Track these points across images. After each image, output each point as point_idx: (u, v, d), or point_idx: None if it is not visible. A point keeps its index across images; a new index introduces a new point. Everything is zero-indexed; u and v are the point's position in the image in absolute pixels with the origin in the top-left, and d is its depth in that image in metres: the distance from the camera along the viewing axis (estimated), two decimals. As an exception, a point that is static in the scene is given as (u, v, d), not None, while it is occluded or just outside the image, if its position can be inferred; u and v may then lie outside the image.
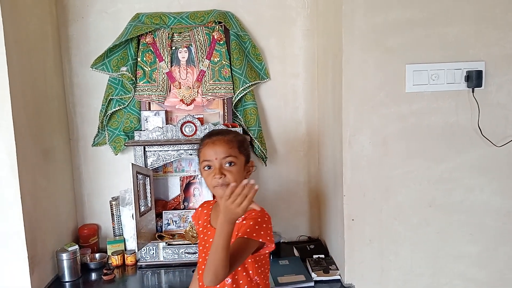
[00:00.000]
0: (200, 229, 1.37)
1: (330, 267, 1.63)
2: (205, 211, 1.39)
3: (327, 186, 1.80)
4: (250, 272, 1.24)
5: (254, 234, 1.17)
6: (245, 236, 1.17)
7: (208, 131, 1.76)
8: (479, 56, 1.50)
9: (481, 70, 1.48)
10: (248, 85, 1.87)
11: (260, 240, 1.17)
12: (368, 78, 1.49)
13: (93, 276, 1.73)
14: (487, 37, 1.49)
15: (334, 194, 1.67)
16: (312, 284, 1.55)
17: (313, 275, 1.58)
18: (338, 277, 1.58)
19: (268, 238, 1.20)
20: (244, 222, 1.21)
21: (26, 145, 1.53)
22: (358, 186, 1.52)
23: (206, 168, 1.25)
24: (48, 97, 1.75)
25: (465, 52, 1.49)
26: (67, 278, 1.68)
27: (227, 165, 1.23)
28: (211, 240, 1.25)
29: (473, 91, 1.49)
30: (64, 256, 1.67)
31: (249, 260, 1.24)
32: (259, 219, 1.21)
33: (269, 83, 1.95)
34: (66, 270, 1.67)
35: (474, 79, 1.48)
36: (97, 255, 1.82)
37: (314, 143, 1.97)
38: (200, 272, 1.30)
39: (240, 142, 1.28)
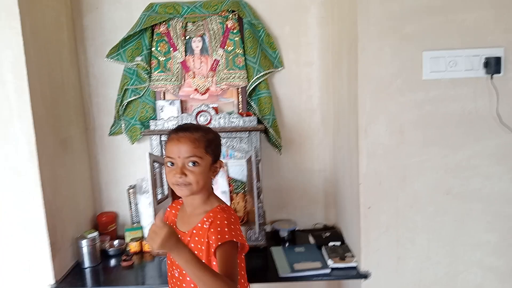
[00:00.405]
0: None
1: (346, 254, 1.64)
2: (174, 211, 1.35)
3: (343, 174, 1.80)
4: None
5: (227, 236, 1.13)
6: (220, 243, 1.11)
7: (219, 120, 1.77)
8: (498, 42, 1.47)
9: (500, 57, 1.46)
10: (262, 74, 1.87)
11: (234, 240, 1.13)
12: (384, 65, 1.48)
13: (112, 262, 1.77)
14: (506, 22, 1.46)
15: (350, 182, 1.67)
16: (328, 271, 1.57)
17: (329, 262, 1.59)
18: (354, 264, 1.58)
19: (241, 238, 1.16)
20: (211, 227, 1.16)
21: (44, 135, 1.55)
22: (374, 174, 1.52)
23: (169, 164, 1.20)
24: (65, 88, 1.77)
25: (484, 38, 1.47)
26: (87, 264, 1.72)
27: (190, 164, 1.17)
28: None
29: (491, 78, 1.47)
30: (84, 242, 1.71)
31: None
32: (226, 221, 1.16)
33: (283, 71, 1.94)
34: (86, 256, 1.71)
35: (493, 65, 1.45)
36: (115, 242, 1.85)
37: (329, 132, 1.97)
38: (170, 274, 1.30)
39: (209, 141, 1.21)
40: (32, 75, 1.48)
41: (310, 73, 1.95)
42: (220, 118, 1.79)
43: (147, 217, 1.88)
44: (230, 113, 1.82)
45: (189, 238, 1.23)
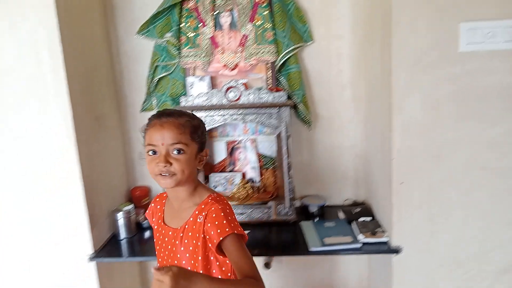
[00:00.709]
0: (155, 227, 1.26)
1: (376, 229, 1.64)
2: (159, 206, 1.29)
3: (374, 150, 1.79)
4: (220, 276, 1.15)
5: (227, 229, 1.06)
6: (222, 238, 1.06)
7: (249, 96, 1.77)
8: (541, 11, 1.40)
9: (543, 26, 1.39)
10: (291, 48, 1.84)
11: (235, 232, 1.07)
12: (419, 38, 1.43)
13: (146, 234, 1.83)
14: (551, -10, 1.38)
15: (382, 158, 1.65)
16: (359, 245, 1.57)
17: (360, 236, 1.60)
18: (386, 240, 1.59)
19: (240, 228, 1.10)
20: (206, 220, 1.09)
21: (80, 113, 1.59)
22: (407, 149, 1.50)
23: (150, 153, 1.11)
24: (97, 66, 1.80)
25: (525, 8, 1.40)
26: (122, 235, 1.79)
27: (175, 152, 1.09)
28: (166, 239, 1.19)
29: (533, 49, 1.41)
30: (120, 215, 1.77)
31: (217, 264, 1.14)
32: (222, 213, 1.09)
33: (313, 46, 1.91)
34: (121, 228, 1.78)
35: (535, 36, 1.39)
36: (149, 216, 1.91)
37: (360, 107, 1.94)
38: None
39: (194, 127, 1.13)
40: (67, 54, 1.51)
41: (341, 47, 1.91)
42: (250, 93, 1.79)
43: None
44: (259, 89, 1.82)
45: (181, 234, 1.15)
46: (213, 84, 1.92)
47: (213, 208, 1.10)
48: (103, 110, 1.83)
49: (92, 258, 1.64)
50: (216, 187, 1.93)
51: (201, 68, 1.91)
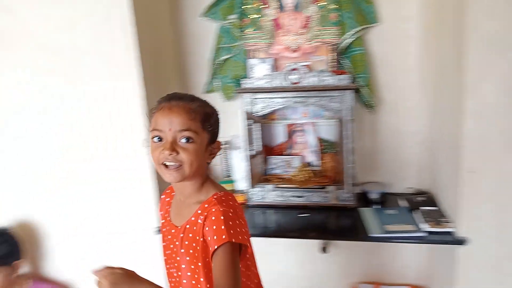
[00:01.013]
0: (163, 221, 1.16)
1: (441, 219, 1.58)
2: (168, 198, 1.19)
3: (442, 137, 1.71)
4: None
5: (224, 236, 0.94)
6: (217, 247, 0.94)
7: (311, 78, 1.75)
8: None
9: None
10: (356, 30, 1.79)
11: (233, 240, 0.95)
12: (497, 17, 1.34)
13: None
14: None
15: (451, 146, 1.58)
16: (423, 234, 1.52)
17: (424, 225, 1.54)
18: (451, 230, 1.52)
19: (241, 236, 0.96)
20: (205, 223, 0.98)
21: (150, 92, 1.67)
22: (479, 136, 1.42)
23: (155, 140, 1.00)
24: (163, 47, 1.87)
25: None
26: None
27: (183, 140, 0.98)
28: (169, 237, 1.11)
29: None
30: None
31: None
32: (223, 216, 0.96)
33: (379, 27, 1.85)
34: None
35: None
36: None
37: (427, 92, 1.85)
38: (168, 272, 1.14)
39: (207, 114, 1.03)
40: (139, 34, 1.58)
41: (408, 29, 1.83)
42: (312, 76, 1.77)
43: (239, 171, 1.97)
44: (322, 71, 1.79)
45: (182, 235, 1.05)
46: (274, 66, 1.92)
47: (213, 210, 0.98)
48: (168, 90, 1.89)
49: (157, 232, 1.72)
50: (274, 169, 1.94)
51: (263, 50, 1.92)
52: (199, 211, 1.02)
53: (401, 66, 1.87)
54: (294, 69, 1.80)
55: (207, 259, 0.98)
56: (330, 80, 1.74)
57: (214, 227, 0.96)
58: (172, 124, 0.98)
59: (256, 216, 1.81)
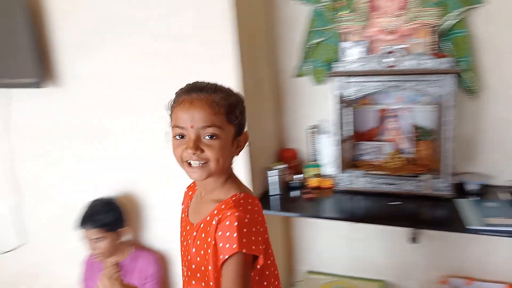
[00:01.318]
0: (182, 215, 1.10)
1: (551, 215, 1.46)
2: (190, 192, 1.13)
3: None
4: None
5: (234, 246, 0.86)
6: (227, 256, 0.87)
7: (409, 62, 1.67)
8: None
9: None
10: (460, 11, 1.69)
11: (244, 251, 0.87)
12: None
13: (294, 193, 1.92)
14: None
15: None
16: (531, 229, 1.42)
17: (530, 221, 1.44)
18: None
19: (255, 247, 0.88)
20: (219, 227, 0.90)
21: (245, 76, 1.72)
22: None
23: (177, 137, 0.94)
24: (257, 31, 1.90)
25: None
26: (272, 192, 1.90)
27: (208, 137, 0.91)
28: (184, 233, 1.05)
29: None
30: (272, 173, 1.89)
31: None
32: (237, 222, 0.88)
33: (485, 8, 1.71)
34: (272, 185, 1.90)
35: None
36: (297, 176, 2.00)
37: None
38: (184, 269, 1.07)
39: (231, 106, 0.95)
40: (239, 18, 1.63)
41: (519, 9, 1.68)
42: (409, 59, 1.70)
43: (326, 156, 1.97)
44: (420, 54, 1.71)
45: (195, 233, 0.99)
46: (368, 49, 1.87)
47: (228, 213, 0.90)
48: (261, 74, 1.94)
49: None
50: (364, 155, 1.92)
51: (357, 33, 1.88)
52: (215, 211, 0.95)
53: (507, 50, 1.73)
54: (390, 52, 1.75)
55: (217, 267, 0.90)
56: (429, 63, 1.66)
57: (227, 233, 0.88)
58: (194, 120, 0.90)
59: (344, 202, 1.81)
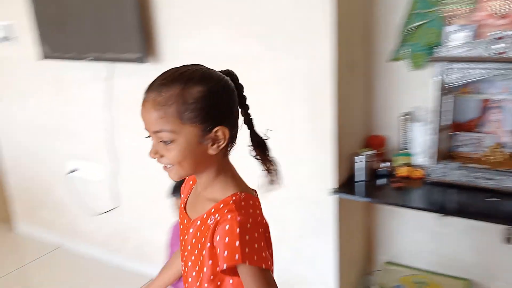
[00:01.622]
0: (182, 206, 1.01)
1: None
2: (191, 182, 1.03)
3: None
4: None
5: (237, 256, 0.78)
6: (226, 266, 0.79)
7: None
8: None
9: None
10: None
11: (247, 263, 0.79)
12: None
13: (381, 181, 1.87)
14: None
15: None
16: None
17: None
18: None
19: (257, 256, 0.80)
20: (217, 231, 0.82)
21: (339, 56, 1.69)
22: None
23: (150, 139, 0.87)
24: (353, 12, 1.85)
25: None
26: (358, 178, 1.87)
27: (162, 142, 0.83)
28: (181, 227, 0.98)
29: None
30: (359, 158, 1.85)
31: (231, 282, 0.87)
32: (239, 229, 0.80)
33: None
34: (358, 171, 1.87)
35: None
36: (384, 164, 1.95)
37: None
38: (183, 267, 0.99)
39: (185, 103, 0.80)
40: (338, -1, 1.61)
41: None
42: (525, 46, 1.56)
43: (418, 145, 1.89)
44: (536, 41, 1.57)
45: (191, 230, 0.91)
46: (475, 34, 1.75)
47: (229, 217, 0.82)
48: (354, 56, 1.90)
49: (334, 192, 1.79)
50: (460, 147, 1.81)
51: (464, 16, 1.76)
52: (213, 210, 0.87)
53: None
54: (499, 38, 1.62)
55: (214, 270, 0.85)
56: (547, 51, 1.52)
57: (227, 239, 0.80)
58: (146, 124, 0.84)
59: (435, 194, 1.74)
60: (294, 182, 1.90)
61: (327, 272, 1.90)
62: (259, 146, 0.95)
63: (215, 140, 0.85)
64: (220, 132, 0.84)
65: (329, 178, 1.80)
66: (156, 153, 0.85)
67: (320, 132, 1.76)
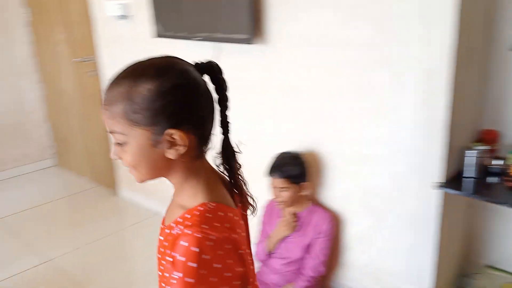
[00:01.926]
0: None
1: None
2: None
3: None
4: None
5: (175, 279, 0.70)
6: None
7: None
8: None
9: None
10: None
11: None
12: None
13: (491, 179, 1.75)
14: None
15: None
16: None
17: None
18: None
19: (216, 279, 0.72)
20: (175, 244, 0.73)
21: (460, 43, 1.60)
22: None
23: None
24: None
25: None
26: (467, 174, 1.76)
27: (119, 144, 0.77)
28: (158, 236, 0.86)
29: None
30: (470, 153, 1.74)
31: None
32: (194, 247, 0.71)
33: None
34: (468, 166, 1.75)
35: None
36: (497, 161, 1.81)
37: None
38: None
39: (131, 103, 0.73)
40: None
41: None
42: None
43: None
44: None
45: (161, 237, 0.84)
46: None
47: (187, 231, 0.73)
48: (473, 43, 1.77)
49: (440, 186, 1.70)
50: None
51: None
52: (180, 220, 0.78)
53: None
54: None
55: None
56: None
57: (177, 256, 0.72)
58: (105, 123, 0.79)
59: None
60: (394, 172, 1.84)
61: (425, 267, 1.83)
62: (228, 158, 0.88)
63: (172, 144, 0.76)
64: (177, 135, 0.75)
65: (435, 171, 1.72)
66: (114, 153, 0.80)
67: (431, 122, 1.68)
